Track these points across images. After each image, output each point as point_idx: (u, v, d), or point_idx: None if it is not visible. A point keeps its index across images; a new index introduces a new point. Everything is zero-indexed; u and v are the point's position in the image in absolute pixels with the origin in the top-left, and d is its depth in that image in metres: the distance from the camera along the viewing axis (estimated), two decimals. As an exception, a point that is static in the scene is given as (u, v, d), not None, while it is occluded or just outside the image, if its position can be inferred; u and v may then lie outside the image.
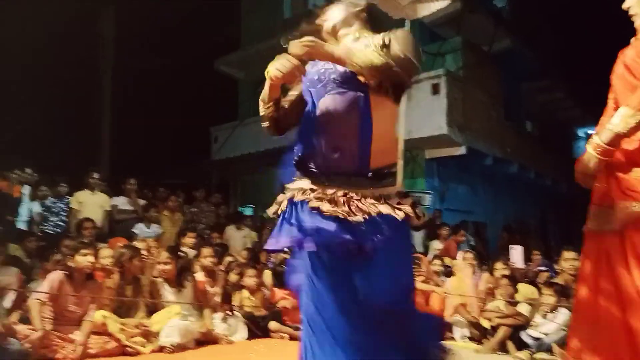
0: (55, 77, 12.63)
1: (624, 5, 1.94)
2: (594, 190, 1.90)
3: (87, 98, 12.75)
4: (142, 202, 7.01)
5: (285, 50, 1.67)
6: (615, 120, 1.71)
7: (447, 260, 6.04)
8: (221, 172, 11.51)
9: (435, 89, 9.26)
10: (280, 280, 5.22)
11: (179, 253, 4.99)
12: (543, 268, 5.08)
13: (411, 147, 9.31)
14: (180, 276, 4.52)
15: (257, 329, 4.68)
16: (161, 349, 3.91)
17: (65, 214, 6.66)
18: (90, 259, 3.89)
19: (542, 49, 12.89)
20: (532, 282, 4.95)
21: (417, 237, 8.66)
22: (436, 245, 7.73)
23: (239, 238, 7.22)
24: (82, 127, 12.80)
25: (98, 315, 3.80)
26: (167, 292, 4.43)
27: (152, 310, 4.28)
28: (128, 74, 12.80)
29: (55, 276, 3.80)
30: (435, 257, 6.05)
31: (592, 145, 1.79)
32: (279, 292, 5.10)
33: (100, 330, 3.77)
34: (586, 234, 1.92)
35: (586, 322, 1.78)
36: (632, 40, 1.91)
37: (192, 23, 13.36)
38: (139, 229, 6.47)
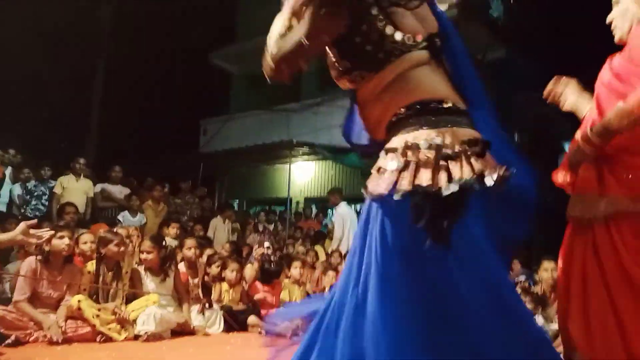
0: (49, 61, 12.49)
1: (608, 19, 1.95)
2: (579, 178, 1.88)
3: (79, 83, 12.63)
4: (126, 190, 6.96)
5: None
6: (610, 115, 1.69)
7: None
8: (208, 165, 11.45)
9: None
10: (261, 275, 5.23)
11: (162, 243, 4.95)
12: (522, 277, 5.13)
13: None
14: (163, 266, 4.48)
15: (236, 322, 4.66)
16: (136, 338, 3.88)
17: (47, 197, 6.60)
18: (67, 241, 3.83)
19: (537, 61, 13.01)
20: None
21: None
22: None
23: (224, 230, 7.22)
24: (72, 112, 12.67)
25: (74, 300, 3.75)
26: (149, 281, 4.39)
27: (131, 298, 4.25)
28: (122, 61, 12.70)
29: (27, 264, 3.75)
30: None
31: (581, 134, 1.79)
32: (260, 287, 5.09)
33: (76, 315, 3.72)
34: (570, 222, 1.91)
35: (577, 310, 1.78)
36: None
37: (189, 13, 13.27)
38: (124, 217, 6.44)
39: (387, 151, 1.31)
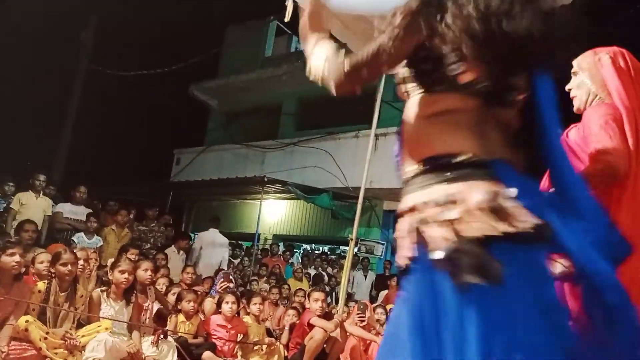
0: (25, 78, 12.36)
1: (567, 87, 2.05)
2: None
3: (53, 103, 12.48)
4: (87, 210, 6.80)
5: None
6: None
7: (391, 307, 6.04)
8: (178, 194, 11.30)
9: (401, 144, 9.56)
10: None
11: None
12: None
13: (371, 196, 9.45)
14: (130, 291, 4.33)
15: (190, 356, 4.50)
16: (83, 365, 3.70)
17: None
18: (17, 259, 3.68)
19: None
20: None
21: (365, 285, 8.69)
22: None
23: (178, 260, 7.06)
24: (43, 131, 12.45)
25: (21, 321, 3.57)
26: (108, 307, 4.22)
27: (84, 323, 4.07)
28: (100, 83, 12.65)
29: None
30: (379, 305, 6.04)
31: None
32: (216, 321, 4.95)
33: (21, 337, 3.54)
34: None
35: None
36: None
37: (174, 43, 13.42)
38: (79, 238, 6.26)
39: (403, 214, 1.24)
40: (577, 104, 2.01)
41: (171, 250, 7.15)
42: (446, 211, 1.14)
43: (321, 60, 1.36)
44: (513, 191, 1.13)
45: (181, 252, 7.27)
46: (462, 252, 1.09)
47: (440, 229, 1.14)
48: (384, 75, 4.78)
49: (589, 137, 1.82)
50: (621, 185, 1.76)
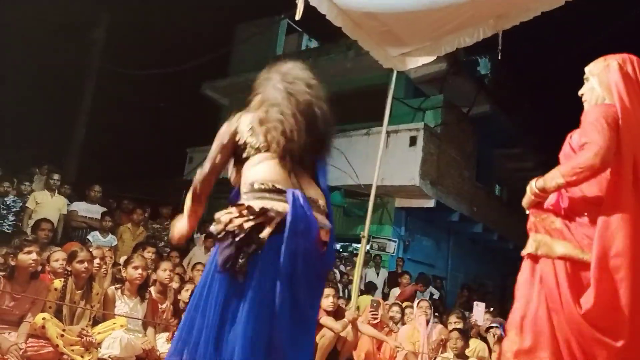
0: (37, 78, 12.50)
1: (579, 93, 2.21)
2: (536, 222, 2.19)
3: (66, 102, 12.60)
4: (102, 209, 6.87)
5: None
6: (546, 176, 2.04)
7: (406, 304, 6.03)
8: (191, 193, 11.37)
9: (413, 141, 9.52)
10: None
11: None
12: (495, 324, 5.14)
13: (383, 193, 9.44)
14: (143, 287, 4.38)
15: (203, 353, 4.53)
16: (99, 361, 3.75)
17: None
18: (34, 257, 3.74)
19: (517, 120, 13.45)
20: (484, 339, 4.97)
21: (378, 283, 8.68)
22: (397, 293, 7.76)
23: (204, 260, 7.11)
24: (56, 131, 12.57)
25: (38, 318, 3.63)
26: (123, 304, 4.27)
27: (99, 320, 4.13)
28: (113, 83, 12.75)
29: None
30: (395, 303, 6.03)
31: (529, 186, 2.13)
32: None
33: (39, 334, 3.59)
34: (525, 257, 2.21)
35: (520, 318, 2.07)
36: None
37: (184, 42, 13.49)
38: (94, 237, 6.32)
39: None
40: (586, 107, 2.15)
41: (198, 250, 7.22)
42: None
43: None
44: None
45: (208, 252, 7.33)
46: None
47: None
48: (394, 73, 4.79)
49: (581, 133, 1.98)
50: (610, 180, 1.91)
